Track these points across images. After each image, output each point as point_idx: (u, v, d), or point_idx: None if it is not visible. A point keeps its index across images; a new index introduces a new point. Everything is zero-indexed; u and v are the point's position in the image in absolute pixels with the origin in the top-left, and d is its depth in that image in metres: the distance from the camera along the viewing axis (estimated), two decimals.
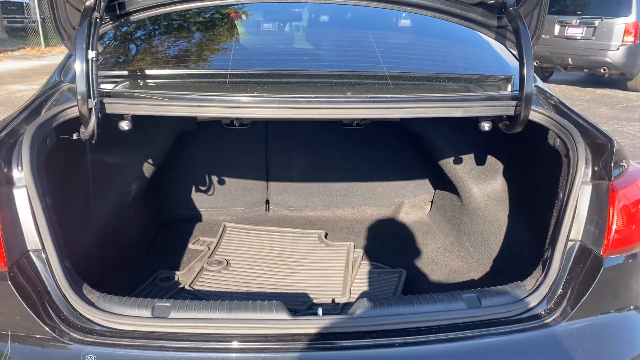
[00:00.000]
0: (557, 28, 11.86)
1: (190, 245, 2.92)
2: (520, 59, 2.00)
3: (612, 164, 1.82)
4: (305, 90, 2.09)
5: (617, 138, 1.92)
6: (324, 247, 2.89)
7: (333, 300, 2.37)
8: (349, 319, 1.66)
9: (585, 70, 12.08)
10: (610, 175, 1.81)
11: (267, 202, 3.39)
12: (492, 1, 2.23)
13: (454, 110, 1.99)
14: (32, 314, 1.59)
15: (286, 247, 2.87)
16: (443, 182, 3.16)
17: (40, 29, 16.53)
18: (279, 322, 1.63)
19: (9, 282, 1.60)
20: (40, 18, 16.71)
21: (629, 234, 1.86)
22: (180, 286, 2.46)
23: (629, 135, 7.70)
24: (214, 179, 3.23)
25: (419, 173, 3.34)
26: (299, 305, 2.31)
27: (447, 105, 1.99)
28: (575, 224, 1.82)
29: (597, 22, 11.27)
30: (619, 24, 11.04)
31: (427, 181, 3.37)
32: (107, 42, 2.41)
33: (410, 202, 3.38)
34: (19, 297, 1.60)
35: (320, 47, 2.65)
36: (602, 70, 11.39)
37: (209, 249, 2.84)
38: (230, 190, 3.27)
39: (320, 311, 1.74)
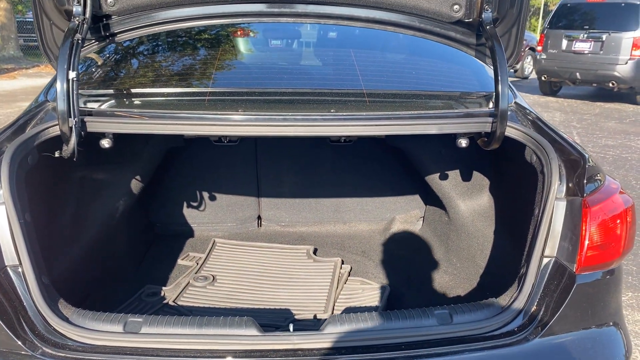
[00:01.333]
0: (564, 42, 11.86)
1: (179, 261, 2.94)
2: (495, 77, 2.01)
3: (585, 180, 1.82)
4: (284, 108, 2.12)
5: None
6: (311, 263, 2.89)
7: (315, 316, 2.37)
8: (318, 335, 1.66)
9: (594, 85, 12.05)
10: (583, 191, 1.81)
11: (259, 217, 3.41)
12: (470, 20, 2.25)
13: (429, 127, 2.01)
14: (5, 328, 1.62)
15: (273, 263, 2.89)
16: (432, 198, 3.16)
17: None
18: (248, 338, 1.64)
19: None
20: None
21: (604, 251, 1.85)
22: (165, 302, 2.48)
23: (637, 149, 7.63)
24: (205, 194, 3.27)
25: (409, 189, 3.35)
26: (280, 321, 2.32)
27: (422, 122, 2.01)
28: (550, 240, 1.81)
29: (604, 37, 11.25)
30: (627, 38, 11.00)
31: (417, 197, 3.37)
32: (94, 61, 2.48)
33: (401, 217, 3.38)
34: None
35: (302, 66, 2.69)
36: (610, 85, 11.34)
37: (197, 265, 2.87)
38: (221, 206, 3.30)
39: (291, 327, 1.75)
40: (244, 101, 2.19)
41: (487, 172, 2.72)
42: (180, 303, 2.47)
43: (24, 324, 1.65)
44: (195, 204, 3.28)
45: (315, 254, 3.02)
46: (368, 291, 2.59)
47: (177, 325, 1.67)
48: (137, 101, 2.22)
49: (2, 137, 1.90)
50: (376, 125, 1.98)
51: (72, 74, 1.87)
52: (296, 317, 2.37)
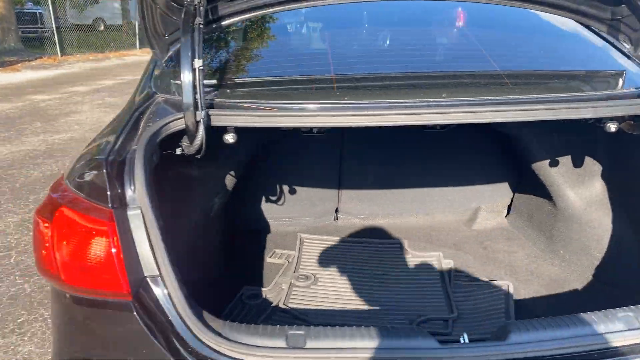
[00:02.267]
0: None
1: (267, 259, 2.78)
2: None
3: None
4: (421, 94, 1.94)
5: None
6: (411, 258, 2.73)
7: (442, 317, 2.21)
8: (503, 345, 1.49)
9: None
10: None
11: (337, 210, 3.24)
12: None
13: (583, 111, 1.83)
14: (161, 348, 1.45)
15: (370, 258, 2.72)
16: (527, 186, 3.00)
17: (56, 37, 16.49)
18: (429, 351, 1.47)
19: (135, 313, 1.46)
20: (56, 26, 16.69)
21: None
22: (273, 304, 2.32)
23: None
24: (285, 188, 3.09)
25: (497, 176, 3.18)
26: (405, 322, 2.17)
27: (575, 105, 1.83)
28: None
29: None
30: None
31: (505, 185, 3.20)
32: (204, 47, 2.28)
33: (487, 207, 3.22)
34: (146, 329, 1.46)
35: (419, 48, 2.48)
36: None
37: (288, 262, 2.70)
38: (300, 200, 3.13)
39: (466, 337, 1.59)
40: (372, 88, 2.01)
41: (601, 157, 2.56)
42: (290, 305, 2.30)
43: (175, 341, 1.47)
44: (274, 198, 3.10)
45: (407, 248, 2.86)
46: (485, 288, 2.43)
47: (344, 338, 1.50)
48: (257, 91, 2.02)
49: (122, 136, 1.71)
50: (526, 110, 1.79)
51: (197, 63, 1.69)
52: (422, 318, 2.21)
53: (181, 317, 1.49)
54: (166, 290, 1.50)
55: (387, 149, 3.06)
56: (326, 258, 2.72)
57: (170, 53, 2.15)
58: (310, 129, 2.67)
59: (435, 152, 3.10)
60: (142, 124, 1.78)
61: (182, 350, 1.46)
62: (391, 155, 3.09)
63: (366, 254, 2.76)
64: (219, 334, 1.51)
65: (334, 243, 2.89)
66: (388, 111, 1.75)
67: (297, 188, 3.10)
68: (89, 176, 1.60)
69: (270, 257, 2.79)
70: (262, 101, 1.81)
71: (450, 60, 2.31)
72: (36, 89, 11.58)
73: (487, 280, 2.52)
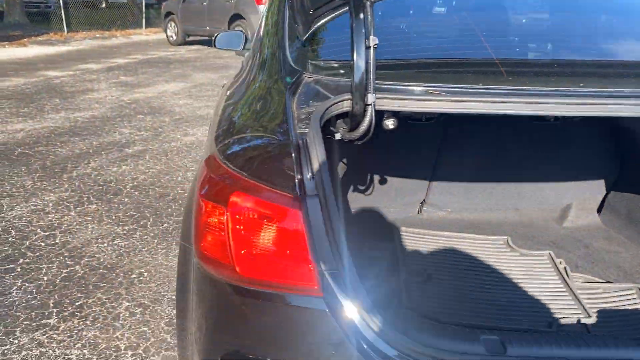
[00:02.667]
0: None
1: (364, 250, 2.61)
2: None
3: None
4: (564, 83, 1.78)
5: None
6: (519, 257, 2.58)
7: (579, 320, 2.07)
8: None
9: None
10: None
11: (422, 202, 3.08)
12: None
13: None
14: (353, 348, 1.29)
15: (477, 254, 2.56)
16: (631, 184, 2.86)
17: (63, 13, 16.08)
18: None
19: (327, 310, 1.30)
20: (63, 2, 16.26)
21: None
22: (394, 301, 2.16)
23: None
24: (376, 177, 2.93)
25: (593, 172, 3.04)
26: (542, 325, 2.02)
27: None
28: None
29: None
30: None
31: (600, 181, 3.06)
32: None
33: (578, 204, 3.08)
34: (338, 327, 1.30)
35: (562, 34, 2.32)
36: None
37: (387, 255, 2.54)
38: (389, 190, 2.96)
39: None
40: (532, 74, 1.84)
41: None
42: (414, 303, 2.14)
43: (360, 341, 1.32)
44: (362, 188, 2.93)
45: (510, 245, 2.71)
46: (610, 290, 2.28)
47: (549, 344, 1.35)
48: (415, 73, 1.84)
49: (289, 119, 1.55)
50: None
51: (373, 41, 1.51)
52: (559, 321, 2.06)
53: (362, 316, 1.34)
54: (345, 286, 1.34)
55: (488, 141, 2.90)
56: (432, 253, 2.56)
57: (312, 30, 1.97)
58: (420, 117, 2.50)
59: (533, 145, 2.94)
60: (295, 106, 1.61)
61: (370, 351, 1.31)
62: (490, 148, 2.93)
63: (470, 249, 2.61)
64: (405, 334, 1.35)
65: (432, 237, 2.73)
66: (562, 100, 1.59)
67: (389, 178, 2.93)
68: (264, 160, 1.44)
69: (367, 248, 2.63)
70: (429, 84, 1.64)
71: (590, 48, 2.16)
72: (47, 65, 11.27)
73: (606, 281, 2.39)
